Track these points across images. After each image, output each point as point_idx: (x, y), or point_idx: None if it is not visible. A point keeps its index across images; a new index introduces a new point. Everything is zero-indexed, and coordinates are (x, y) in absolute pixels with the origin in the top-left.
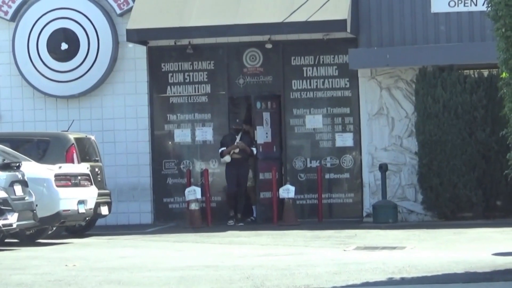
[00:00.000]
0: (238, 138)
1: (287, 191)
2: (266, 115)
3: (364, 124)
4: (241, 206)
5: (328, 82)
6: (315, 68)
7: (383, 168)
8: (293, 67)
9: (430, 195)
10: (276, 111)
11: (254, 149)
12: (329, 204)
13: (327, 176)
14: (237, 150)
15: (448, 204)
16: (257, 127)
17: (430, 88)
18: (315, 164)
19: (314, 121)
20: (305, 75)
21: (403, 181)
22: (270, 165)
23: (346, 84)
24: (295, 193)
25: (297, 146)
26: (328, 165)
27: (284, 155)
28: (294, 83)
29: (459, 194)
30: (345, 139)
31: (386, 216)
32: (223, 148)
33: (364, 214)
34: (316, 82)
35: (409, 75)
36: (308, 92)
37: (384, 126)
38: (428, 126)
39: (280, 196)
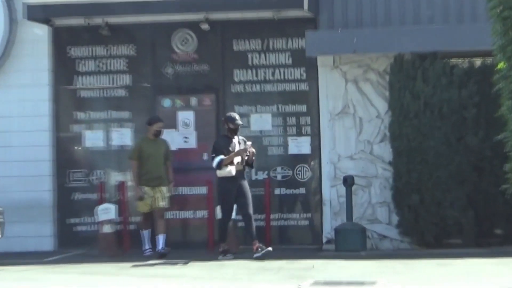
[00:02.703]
0: (237, 141)
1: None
2: (187, 115)
3: (325, 126)
4: (252, 229)
5: (280, 72)
6: (263, 55)
7: (348, 181)
8: (236, 54)
9: (408, 216)
10: (211, 109)
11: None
12: (280, 227)
13: (277, 191)
14: (238, 159)
15: (431, 227)
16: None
17: (408, 81)
18: (261, 176)
19: (261, 121)
20: (250, 63)
21: (373, 198)
22: (198, 178)
23: (302, 76)
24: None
25: None
26: (279, 177)
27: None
28: (237, 73)
29: (445, 215)
30: (300, 145)
31: (352, 243)
32: (221, 157)
33: (324, 240)
34: (264, 72)
35: (381, 65)
36: (254, 85)
37: (350, 129)
38: (406, 129)
39: (217, 216)
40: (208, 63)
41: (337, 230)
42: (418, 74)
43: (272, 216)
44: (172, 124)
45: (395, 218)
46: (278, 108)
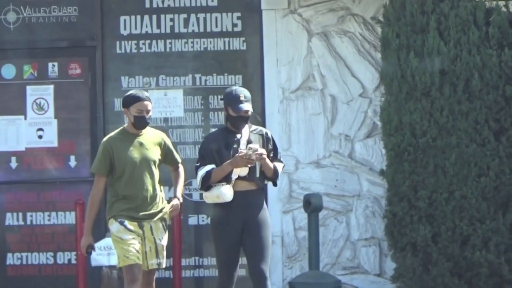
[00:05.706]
0: (243, 137)
1: (107, 253)
2: (42, 93)
3: (273, 111)
4: None
5: (198, 20)
6: None
7: (312, 204)
8: None
9: (412, 262)
10: (82, 82)
11: (280, 164)
12: (196, 280)
13: (192, 219)
14: (244, 172)
15: (450, 280)
16: None
17: (415, 35)
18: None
19: (166, 103)
20: (147, 4)
21: (355, 232)
22: (60, 198)
23: (235, 26)
24: None
25: None
26: (196, 196)
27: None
28: (125, 21)
29: (474, 259)
30: None
31: None
32: (208, 168)
33: None
34: (172, 20)
35: (369, 8)
36: (154, 42)
37: (316, 116)
38: (410, 116)
39: (93, 263)
40: (78, 4)
41: (293, 285)
42: (431, 23)
43: (184, 262)
44: (18, 108)
45: (390, 265)
46: (194, 81)
